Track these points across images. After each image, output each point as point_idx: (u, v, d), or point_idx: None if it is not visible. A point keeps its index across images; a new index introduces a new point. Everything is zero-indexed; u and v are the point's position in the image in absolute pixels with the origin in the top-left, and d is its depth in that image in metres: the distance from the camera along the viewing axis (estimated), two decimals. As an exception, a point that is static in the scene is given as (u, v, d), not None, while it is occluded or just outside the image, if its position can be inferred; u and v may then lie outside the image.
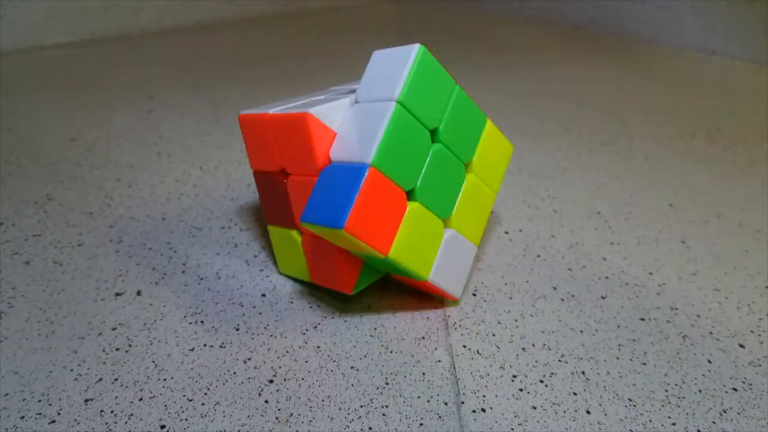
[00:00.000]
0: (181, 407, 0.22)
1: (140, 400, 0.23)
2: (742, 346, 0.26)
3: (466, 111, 0.27)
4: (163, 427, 0.22)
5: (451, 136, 0.27)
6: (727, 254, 0.33)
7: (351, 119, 0.25)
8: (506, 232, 0.34)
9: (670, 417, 0.22)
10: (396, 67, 0.25)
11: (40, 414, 0.22)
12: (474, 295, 0.29)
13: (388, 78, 0.25)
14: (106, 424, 0.22)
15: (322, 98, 0.28)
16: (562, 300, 0.29)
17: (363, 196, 0.23)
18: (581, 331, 0.27)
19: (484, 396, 0.23)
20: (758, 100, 0.59)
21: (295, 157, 0.26)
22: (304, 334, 0.26)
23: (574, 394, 0.23)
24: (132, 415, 0.22)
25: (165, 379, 0.24)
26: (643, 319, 0.27)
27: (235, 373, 0.24)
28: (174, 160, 0.43)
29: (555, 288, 0.30)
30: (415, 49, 0.25)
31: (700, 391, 0.23)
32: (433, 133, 0.26)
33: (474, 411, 0.22)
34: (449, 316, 0.27)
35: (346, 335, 0.26)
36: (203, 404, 0.23)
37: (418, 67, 0.25)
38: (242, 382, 0.24)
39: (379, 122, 0.24)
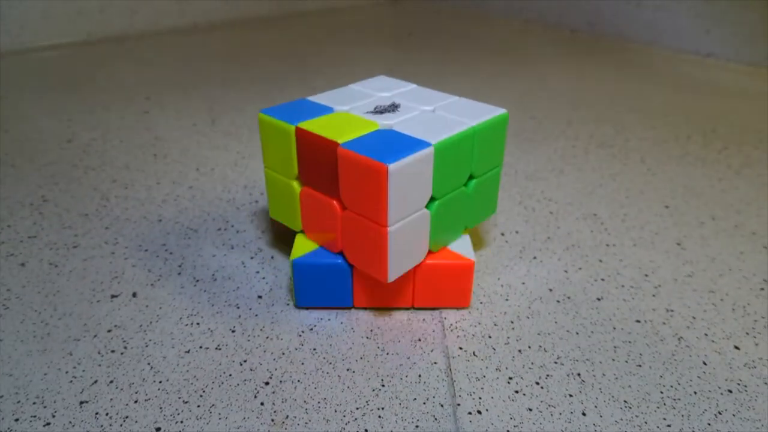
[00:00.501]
0: (176, 409, 0.22)
1: (135, 402, 0.23)
2: (737, 347, 0.26)
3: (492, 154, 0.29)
4: (158, 429, 0.22)
5: (478, 188, 0.29)
6: (722, 256, 0.33)
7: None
8: (502, 234, 0.34)
9: (665, 419, 0.22)
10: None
11: (34, 416, 0.22)
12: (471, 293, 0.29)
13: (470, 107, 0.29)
14: (101, 426, 0.22)
15: (348, 112, 0.28)
16: (558, 302, 0.29)
17: (415, 159, 0.24)
18: (577, 333, 0.27)
19: (480, 398, 0.23)
20: (754, 102, 0.59)
21: (316, 177, 0.26)
22: (300, 336, 0.26)
23: (570, 395, 0.23)
24: (127, 417, 0.22)
25: (160, 381, 0.24)
26: (638, 321, 0.27)
27: (230, 375, 0.24)
28: (170, 162, 0.43)
29: (551, 290, 0.30)
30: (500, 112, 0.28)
31: (695, 392, 0.23)
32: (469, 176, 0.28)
33: (470, 413, 0.22)
34: (445, 318, 0.27)
35: (342, 337, 0.26)
36: (199, 406, 0.22)
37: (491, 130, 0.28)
38: (238, 384, 0.23)
39: (452, 128, 0.26)
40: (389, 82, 0.32)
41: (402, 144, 0.24)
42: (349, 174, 0.24)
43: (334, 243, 0.27)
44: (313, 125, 0.26)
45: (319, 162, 0.25)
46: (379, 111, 0.28)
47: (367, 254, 0.25)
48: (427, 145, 0.24)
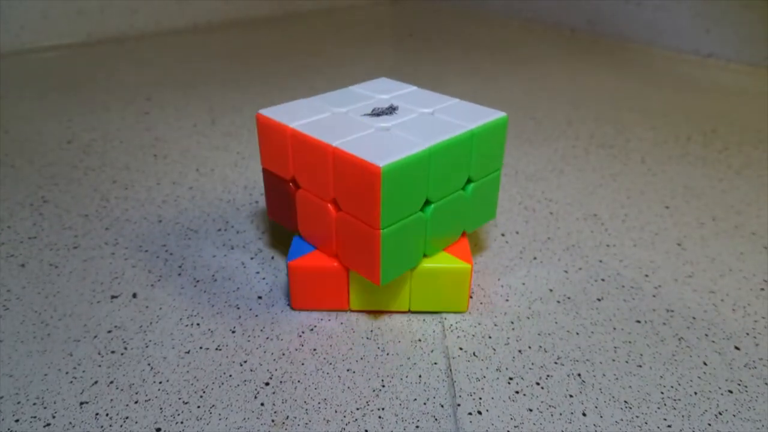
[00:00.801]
0: (176, 410, 0.22)
1: (136, 402, 0.23)
2: (737, 348, 0.26)
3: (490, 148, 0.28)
4: (158, 430, 0.21)
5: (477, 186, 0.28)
6: (722, 256, 0.33)
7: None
8: (503, 234, 0.34)
9: (665, 419, 0.22)
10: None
11: (35, 417, 0.22)
12: (470, 297, 0.29)
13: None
14: (101, 427, 0.22)
15: (346, 114, 0.28)
16: (559, 302, 0.29)
17: (409, 161, 0.24)
18: (577, 334, 0.27)
19: (480, 398, 0.23)
20: (754, 102, 0.59)
21: (311, 178, 0.26)
22: (300, 336, 0.26)
23: (570, 396, 0.23)
24: (127, 418, 0.22)
25: (161, 382, 0.24)
26: (639, 322, 0.27)
27: (231, 375, 0.24)
28: (170, 162, 0.43)
29: (551, 290, 0.30)
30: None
31: (695, 393, 0.23)
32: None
33: (470, 413, 0.22)
34: (445, 319, 0.27)
35: (343, 337, 0.26)
36: (199, 407, 0.22)
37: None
38: (238, 385, 0.23)
39: (449, 131, 0.26)
40: (390, 84, 0.32)
41: (397, 146, 0.24)
42: (343, 175, 0.24)
43: (329, 246, 0.27)
44: (309, 126, 0.26)
45: (314, 163, 0.25)
46: (377, 113, 0.28)
47: (361, 257, 0.25)
48: (422, 147, 0.24)
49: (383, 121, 0.27)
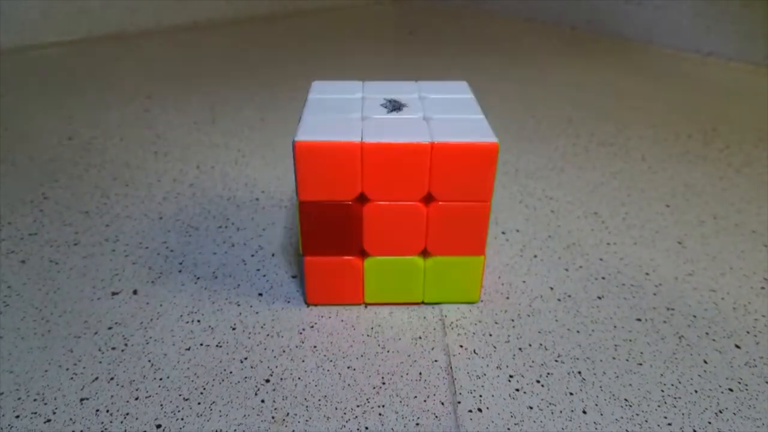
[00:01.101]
0: (177, 406, 0.22)
1: (136, 399, 0.23)
2: (738, 346, 0.26)
3: None
4: (159, 426, 0.22)
5: None
6: (723, 255, 0.33)
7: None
8: (503, 233, 0.34)
9: (666, 417, 0.22)
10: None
11: (35, 413, 0.22)
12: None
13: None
14: (102, 423, 0.22)
15: (372, 118, 0.27)
16: (559, 300, 0.29)
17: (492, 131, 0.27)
18: (578, 332, 0.27)
19: (480, 396, 0.23)
20: (754, 101, 0.59)
21: (394, 184, 0.25)
22: (300, 333, 0.26)
23: (571, 394, 0.23)
24: (128, 414, 0.22)
25: (161, 379, 0.24)
26: (639, 320, 0.27)
27: (231, 372, 0.24)
28: (171, 159, 0.43)
29: (552, 288, 0.30)
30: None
31: (696, 391, 0.24)
32: None
33: (470, 411, 0.22)
34: (446, 316, 0.27)
35: (343, 335, 0.26)
36: (199, 403, 0.22)
37: None
38: (239, 382, 0.23)
39: (467, 103, 0.29)
40: (338, 85, 0.30)
41: (467, 125, 0.26)
42: (447, 164, 0.25)
43: (417, 244, 0.27)
44: (372, 135, 0.25)
45: (398, 168, 0.25)
46: (394, 108, 0.28)
47: (465, 236, 0.26)
48: (480, 119, 0.27)
49: (411, 113, 0.27)
